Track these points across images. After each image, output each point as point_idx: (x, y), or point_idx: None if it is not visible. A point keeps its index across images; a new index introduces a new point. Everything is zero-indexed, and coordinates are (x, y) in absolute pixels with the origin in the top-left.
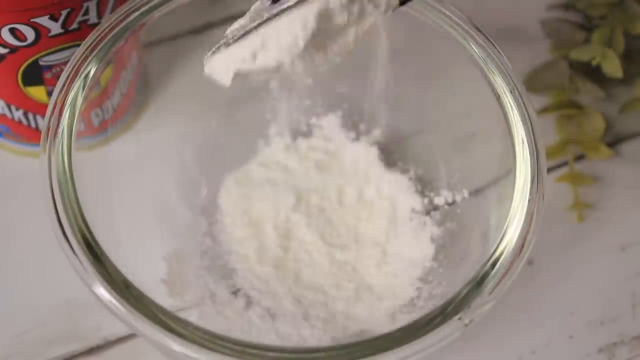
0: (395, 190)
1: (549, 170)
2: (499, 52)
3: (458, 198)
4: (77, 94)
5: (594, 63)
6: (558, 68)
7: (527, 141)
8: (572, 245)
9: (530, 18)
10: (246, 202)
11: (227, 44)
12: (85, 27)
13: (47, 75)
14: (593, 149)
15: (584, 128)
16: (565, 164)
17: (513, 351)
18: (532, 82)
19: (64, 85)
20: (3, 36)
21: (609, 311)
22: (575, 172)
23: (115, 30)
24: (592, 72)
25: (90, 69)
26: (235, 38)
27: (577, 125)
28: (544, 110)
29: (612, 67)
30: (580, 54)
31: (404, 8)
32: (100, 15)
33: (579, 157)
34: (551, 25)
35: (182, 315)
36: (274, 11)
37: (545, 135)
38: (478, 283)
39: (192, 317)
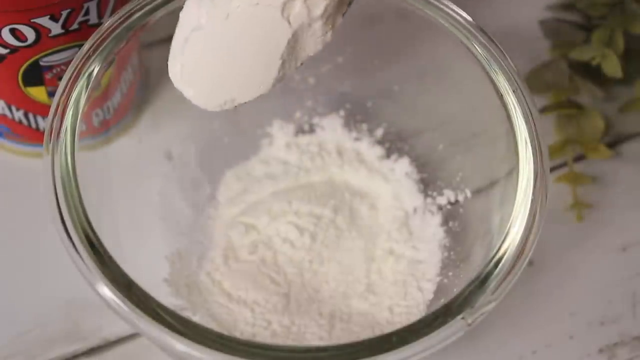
0: (397, 191)
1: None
2: (502, 51)
3: (461, 198)
4: (80, 94)
5: (593, 63)
6: (558, 68)
7: (530, 141)
8: (572, 245)
9: (530, 18)
10: (245, 196)
11: None
12: (86, 28)
13: (48, 76)
14: (593, 149)
15: (583, 128)
16: (564, 164)
17: (513, 351)
18: (532, 82)
19: (66, 86)
20: (3, 36)
21: (609, 311)
22: (574, 172)
23: (118, 31)
24: (592, 72)
25: (94, 69)
26: None
27: (576, 125)
28: (543, 110)
29: (612, 67)
30: (580, 54)
31: (406, 7)
32: (100, 15)
33: (579, 157)
34: (551, 25)
35: (185, 314)
36: None
37: (545, 135)
38: (481, 282)
39: (195, 316)
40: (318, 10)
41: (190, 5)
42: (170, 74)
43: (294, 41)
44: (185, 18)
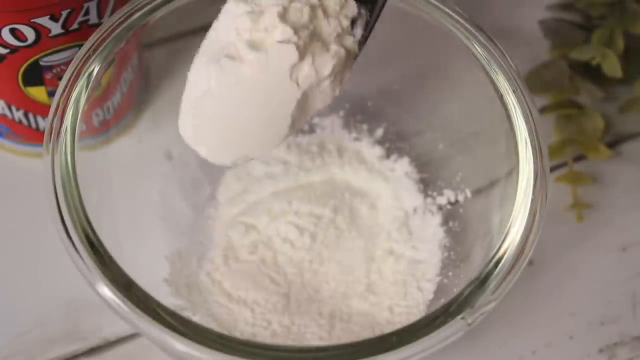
0: (397, 191)
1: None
2: (502, 51)
3: (461, 198)
4: (80, 94)
5: (593, 63)
6: (558, 68)
7: (530, 141)
8: (572, 245)
9: (530, 18)
10: (245, 196)
11: None
12: (86, 28)
13: (48, 76)
14: (592, 149)
15: (583, 128)
16: (564, 164)
17: (513, 351)
18: (532, 82)
19: (66, 86)
20: (3, 36)
21: (609, 311)
22: (574, 172)
23: (118, 30)
24: (592, 72)
25: (94, 68)
26: None
27: (576, 125)
28: (543, 111)
29: (612, 67)
30: (580, 54)
31: (406, 7)
32: (100, 15)
33: (579, 157)
34: (551, 25)
35: (185, 314)
36: None
37: (545, 135)
38: (481, 282)
39: (195, 316)
40: (326, 70)
41: (199, 67)
42: (181, 132)
43: (303, 100)
44: (194, 79)
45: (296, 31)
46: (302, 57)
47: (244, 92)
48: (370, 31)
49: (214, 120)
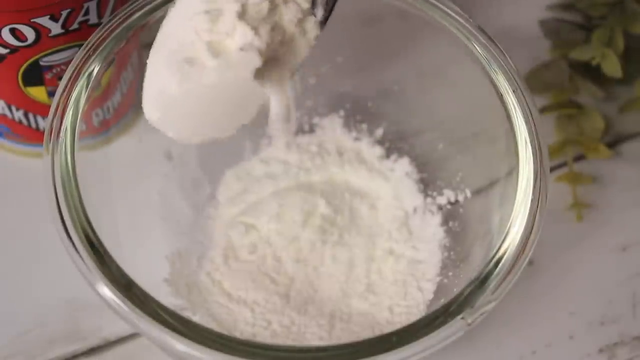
0: (397, 190)
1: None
2: (502, 51)
3: (461, 198)
4: (80, 94)
5: (593, 63)
6: (558, 68)
7: (530, 141)
8: (572, 245)
9: (530, 18)
10: (245, 196)
11: None
12: (86, 28)
13: (48, 76)
14: (592, 149)
15: (583, 128)
16: (564, 164)
17: (513, 351)
18: (532, 82)
19: (66, 86)
20: (3, 36)
21: (609, 311)
22: (574, 172)
23: (118, 30)
24: (592, 72)
25: (94, 69)
26: None
27: (576, 125)
28: (543, 110)
29: (612, 67)
30: (580, 54)
31: (406, 7)
32: (100, 15)
33: (579, 157)
34: (551, 25)
35: (185, 314)
36: None
37: (545, 135)
38: (481, 282)
39: (195, 316)
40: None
41: (158, 57)
42: (147, 117)
43: None
44: (154, 69)
45: (256, 30)
46: (265, 59)
47: (207, 93)
48: (331, 10)
49: (177, 112)
